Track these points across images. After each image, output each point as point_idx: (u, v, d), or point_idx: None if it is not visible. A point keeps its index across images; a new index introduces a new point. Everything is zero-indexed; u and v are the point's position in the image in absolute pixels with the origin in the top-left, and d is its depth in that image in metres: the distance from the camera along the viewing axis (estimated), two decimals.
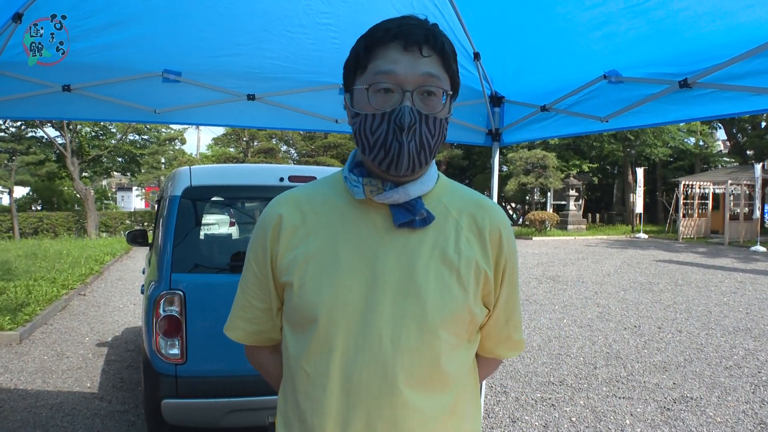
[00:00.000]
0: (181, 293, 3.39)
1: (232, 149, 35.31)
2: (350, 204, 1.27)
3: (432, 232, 1.24)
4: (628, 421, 4.84)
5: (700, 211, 27.40)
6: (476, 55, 3.30)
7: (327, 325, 1.19)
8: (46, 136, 27.41)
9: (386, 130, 1.16)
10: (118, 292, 11.06)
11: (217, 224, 7.88)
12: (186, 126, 32.97)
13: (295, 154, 36.65)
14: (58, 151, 27.65)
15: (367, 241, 1.22)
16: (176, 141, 32.88)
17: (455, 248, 1.25)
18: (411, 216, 1.22)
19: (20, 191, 31.45)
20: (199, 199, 3.73)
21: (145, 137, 31.97)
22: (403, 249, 1.22)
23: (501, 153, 4.00)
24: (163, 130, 31.73)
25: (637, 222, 28.90)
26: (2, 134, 26.87)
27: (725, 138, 35.32)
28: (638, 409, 5.10)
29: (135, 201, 50.10)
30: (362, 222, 1.24)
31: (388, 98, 1.17)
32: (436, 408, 1.21)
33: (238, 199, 4.47)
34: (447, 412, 1.23)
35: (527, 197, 32.99)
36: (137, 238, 5.79)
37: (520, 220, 33.63)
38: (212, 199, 4.02)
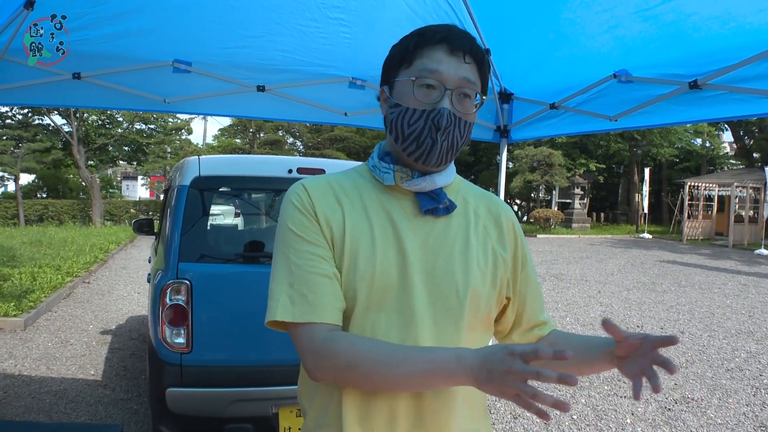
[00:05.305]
0: (187, 282, 3.40)
1: (238, 140, 35.31)
2: (378, 190, 1.34)
3: (455, 220, 1.35)
4: (629, 420, 4.85)
5: (705, 212, 27.33)
6: (486, 51, 3.30)
7: (367, 305, 1.24)
8: (52, 124, 27.39)
9: (423, 126, 1.26)
10: (123, 281, 11.11)
11: (222, 215, 7.89)
12: (193, 116, 33.09)
13: (302, 147, 36.67)
14: (64, 138, 27.63)
15: (396, 224, 1.29)
16: (183, 131, 32.91)
17: (476, 235, 1.35)
18: (435, 204, 1.31)
19: (26, 178, 31.46)
20: (207, 189, 3.73)
21: (152, 126, 31.92)
22: (429, 234, 1.31)
23: (507, 150, 4.02)
24: (170, 119, 31.67)
25: (642, 222, 28.84)
26: (9, 121, 26.84)
27: (732, 140, 35.20)
28: (639, 409, 5.11)
29: (140, 190, 50.10)
30: (390, 206, 1.31)
31: (429, 93, 1.26)
32: None
33: (246, 190, 4.47)
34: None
35: (532, 194, 32.95)
36: (143, 227, 5.82)
37: (525, 217, 33.56)
38: (221, 189, 4.02)
